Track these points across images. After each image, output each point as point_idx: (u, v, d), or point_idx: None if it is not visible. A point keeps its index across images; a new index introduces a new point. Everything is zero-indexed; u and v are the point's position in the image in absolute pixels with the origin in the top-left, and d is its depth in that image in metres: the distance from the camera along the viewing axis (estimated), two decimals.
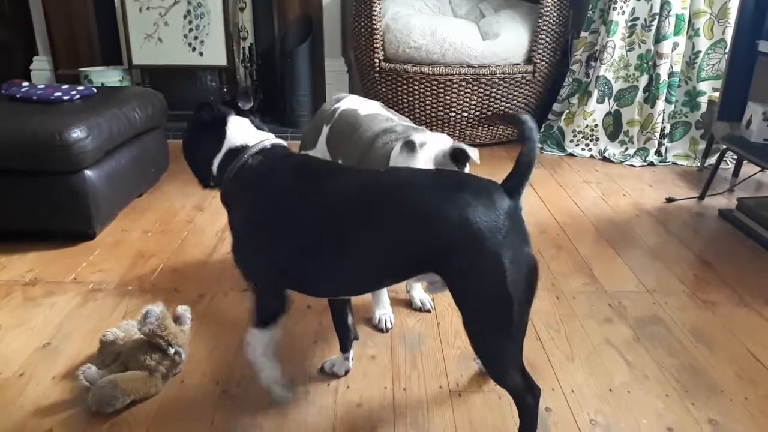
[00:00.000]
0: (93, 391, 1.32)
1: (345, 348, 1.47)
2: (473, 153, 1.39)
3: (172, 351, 1.41)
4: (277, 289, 1.26)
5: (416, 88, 3.26)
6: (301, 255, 1.16)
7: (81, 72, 3.57)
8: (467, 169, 1.44)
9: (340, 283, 1.20)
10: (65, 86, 2.44)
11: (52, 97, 2.31)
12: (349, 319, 1.45)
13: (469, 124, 3.35)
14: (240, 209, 1.25)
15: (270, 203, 1.19)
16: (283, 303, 1.28)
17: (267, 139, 1.29)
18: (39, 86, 2.44)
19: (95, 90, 2.50)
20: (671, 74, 3.14)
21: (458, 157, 1.40)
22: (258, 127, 1.34)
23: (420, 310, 1.76)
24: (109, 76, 3.57)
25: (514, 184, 1.09)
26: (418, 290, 1.80)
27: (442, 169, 1.17)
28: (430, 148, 1.39)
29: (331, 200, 1.14)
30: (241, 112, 1.35)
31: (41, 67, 3.88)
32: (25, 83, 2.47)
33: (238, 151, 1.26)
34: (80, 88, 2.44)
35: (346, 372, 1.47)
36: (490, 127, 3.40)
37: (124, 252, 2.10)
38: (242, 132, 1.29)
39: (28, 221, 2.11)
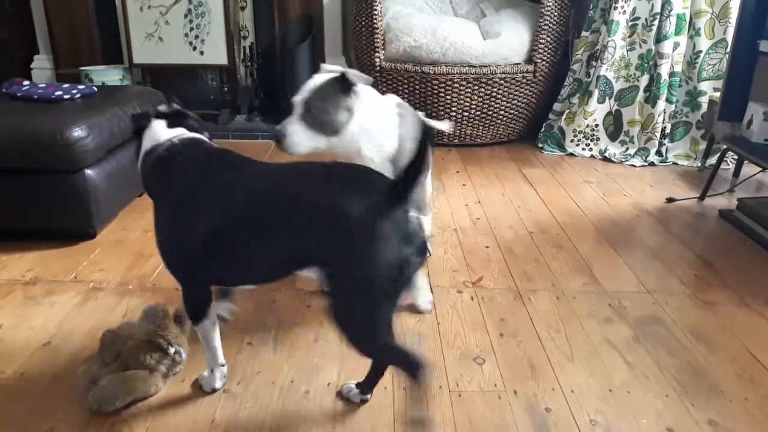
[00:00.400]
0: (94, 391, 1.33)
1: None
2: (355, 76, 1.40)
3: (172, 350, 1.41)
4: (200, 278, 1.31)
5: (417, 87, 3.26)
6: (198, 244, 1.21)
7: (82, 71, 3.57)
8: (358, 97, 1.45)
9: (235, 272, 1.26)
10: (66, 85, 2.44)
11: (53, 96, 2.31)
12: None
13: (470, 124, 3.35)
14: (156, 204, 1.32)
15: (169, 198, 1.27)
16: (208, 292, 1.34)
17: (176, 135, 1.33)
18: (40, 85, 2.44)
19: (96, 89, 2.50)
20: (672, 74, 3.14)
21: (344, 85, 1.42)
22: (186, 126, 1.37)
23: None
24: (110, 75, 3.57)
25: (404, 183, 1.08)
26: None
27: (335, 164, 1.18)
28: (315, 79, 1.44)
29: (220, 192, 1.19)
30: (174, 116, 1.39)
31: (42, 66, 3.88)
32: (26, 82, 2.47)
33: (151, 152, 1.33)
34: (81, 87, 2.44)
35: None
36: (491, 127, 3.40)
37: (125, 251, 2.10)
38: (153, 136, 1.34)
39: (28, 220, 2.11)
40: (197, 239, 1.20)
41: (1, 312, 1.72)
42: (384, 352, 1.20)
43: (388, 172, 1.54)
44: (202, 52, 3.58)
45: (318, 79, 1.45)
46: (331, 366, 1.51)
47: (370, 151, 1.51)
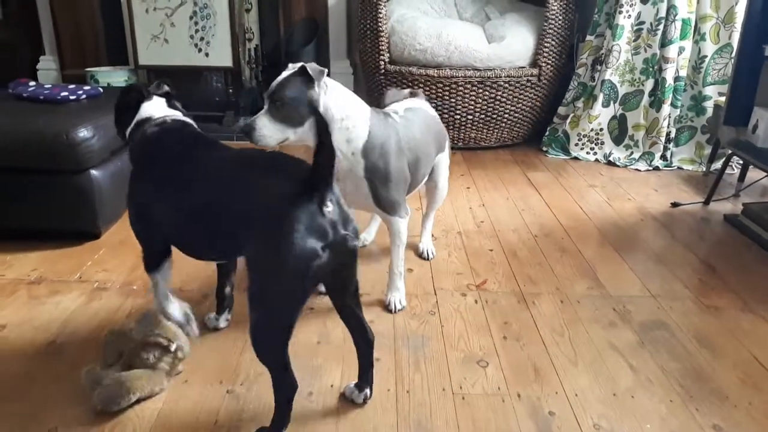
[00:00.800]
0: (98, 390, 1.33)
1: (219, 310, 1.65)
2: (312, 70, 1.47)
3: (173, 347, 1.41)
4: (156, 240, 1.45)
5: (421, 90, 3.26)
6: (161, 211, 1.34)
7: (87, 72, 3.58)
8: (322, 89, 1.51)
9: (191, 244, 1.37)
10: (72, 86, 2.45)
11: (59, 97, 2.32)
12: (227, 290, 1.65)
13: (474, 127, 3.35)
14: (132, 168, 1.45)
15: (145, 166, 1.40)
16: (163, 252, 1.47)
17: (171, 115, 1.46)
18: (46, 86, 2.45)
19: (101, 90, 2.51)
20: (677, 78, 3.14)
21: (305, 77, 1.50)
22: (175, 108, 1.51)
23: (420, 256, 2.09)
24: (115, 77, 3.58)
25: (316, 179, 1.12)
26: (426, 237, 2.13)
27: (266, 152, 1.26)
28: (282, 75, 1.53)
29: (183, 169, 1.31)
30: (168, 97, 1.52)
31: (48, 67, 3.90)
32: (32, 83, 2.48)
33: (143, 123, 1.45)
34: (86, 88, 2.45)
35: (214, 328, 1.65)
36: (496, 130, 3.40)
37: (129, 251, 2.10)
38: (152, 109, 1.47)
39: (33, 220, 2.12)
40: (161, 209, 1.34)
41: (6, 311, 1.73)
42: (271, 358, 1.20)
43: (360, 165, 1.59)
44: (207, 54, 3.59)
45: (283, 74, 1.52)
46: (334, 368, 1.51)
47: (338, 142, 1.55)
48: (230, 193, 1.20)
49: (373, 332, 1.37)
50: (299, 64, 1.51)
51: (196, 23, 3.54)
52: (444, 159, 1.99)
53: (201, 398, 1.39)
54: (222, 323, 1.65)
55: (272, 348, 1.19)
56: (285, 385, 1.21)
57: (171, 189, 1.31)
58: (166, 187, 1.32)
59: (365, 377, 1.39)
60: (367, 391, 1.39)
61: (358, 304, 1.33)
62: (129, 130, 1.48)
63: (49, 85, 2.47)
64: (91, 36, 3.83)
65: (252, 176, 1.19)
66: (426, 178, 1.92)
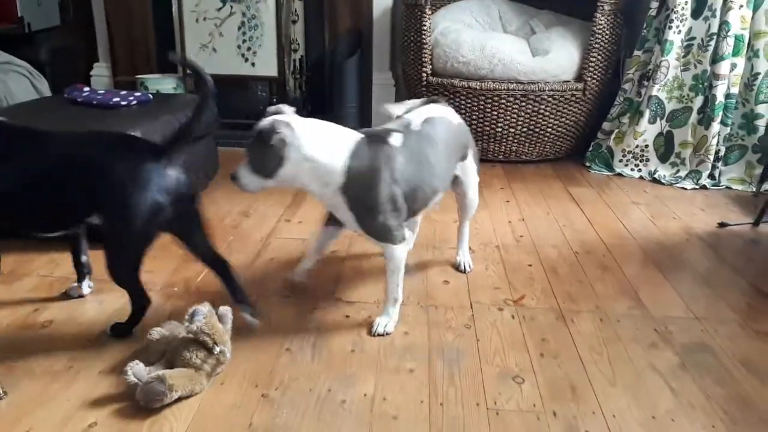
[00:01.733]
0: (141, 387, 1.36)
1: (79, 278, 1.84)
2: (265, 133, 1.52)
3: (217, 350, 1.43)
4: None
5: (463, 102, 3.26)
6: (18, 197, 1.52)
7: (138, 79, 3.69)
8: (289, 144, 1.53)
9: (36, 218, 1.58)
10: (123, 92, 2.53)
11: (111, 102, 2.39)
12: (83, 258, 1.83)
13: (516, 141, 3.33)
14: None
15: None
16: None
17: None
18: (99, 91, 2.54)
19: (151, 96, 2.58)
20: (728, 96, 3.05)
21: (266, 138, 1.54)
22: None
23: (457, 269, 2.09)
24: (164, 84, 3.67)
25: (167, 146, 1.48)
26: (463, 249, 2.11)
27: (108, 133, 1.64)
28: (257, 125, 1.58)
29: (21, 157, 1.49)
30: None
31: (100, 73, 4.03)
32: (86, 88, 2.57)
33: None
34: (137, 94, 2.53)
35: (79, 296, 1.84)
36: (537, 144, 3.36)
37: (171, 254, 2.13)
38: None
39: None
40: (18, 193, 1.51)
41: (53, 307, 1.79)
42: (127, 283, 1.57)
43: (342, 200, 1.59)
44: (253, 64, 3.66)
45: (258, 126, 1.56)
46: (368, 377, 1.51)
47: (317, 186, 1.58)
48: (88, 164, 1.45)
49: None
50: (264, 122, 1.54)
51: (243, 33, 3.62)
52: (470, 167, 1.91)
53: (236, 401, 1.41)
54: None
55: (127, 276, 1.55)
56: (140, 299, 1.59)
57: (27, 174, 1.48)
58: (23, 175, 1.49)
59: (241, 298, 1.64)
60: (250, 309, 1.65)
61: (208, 239, 1.61)
62: None
63: (102, 91, 2.56)
64: (143, 44, 3.95)
65: (104, 151, 1.48)
66: (439, 197, 1.81)
